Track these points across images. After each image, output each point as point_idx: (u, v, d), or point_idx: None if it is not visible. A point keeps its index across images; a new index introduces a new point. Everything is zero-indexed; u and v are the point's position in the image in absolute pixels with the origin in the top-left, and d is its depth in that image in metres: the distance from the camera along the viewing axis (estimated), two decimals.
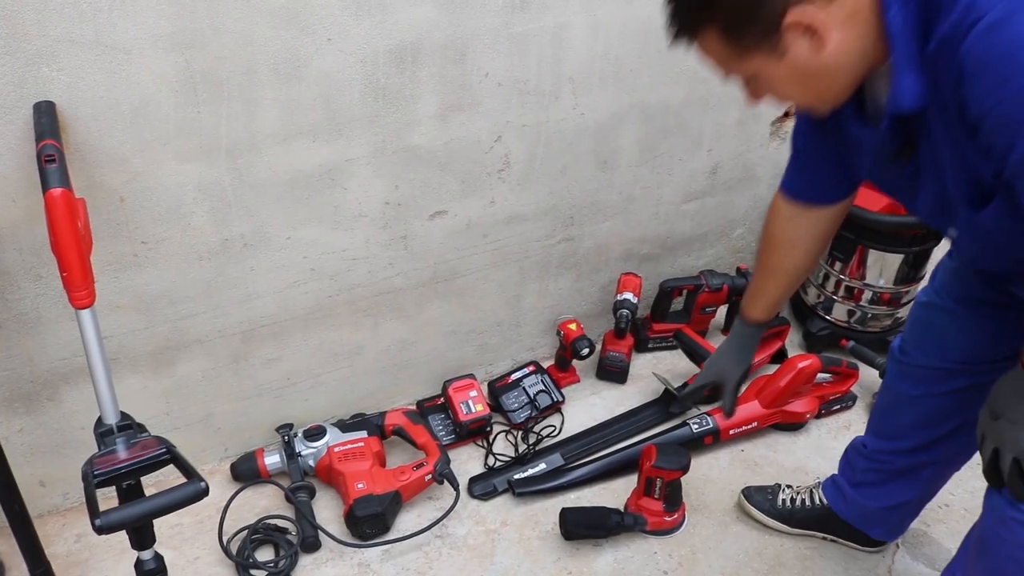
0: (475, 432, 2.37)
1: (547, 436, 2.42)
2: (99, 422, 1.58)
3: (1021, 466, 1.29)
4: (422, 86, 1.93)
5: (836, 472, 2.09)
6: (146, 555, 1.59)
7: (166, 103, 1.69)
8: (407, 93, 1.92)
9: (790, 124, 2.63)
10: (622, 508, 2.15)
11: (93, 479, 1.43)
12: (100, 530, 1.34)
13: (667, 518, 2.11)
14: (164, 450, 1.49)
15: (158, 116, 1.70)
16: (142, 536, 1.56)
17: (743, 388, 1.98)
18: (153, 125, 1.70)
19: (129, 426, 1.57)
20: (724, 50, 1.22)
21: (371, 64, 1.84)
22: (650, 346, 2.76)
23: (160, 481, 1.72)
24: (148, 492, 1.49)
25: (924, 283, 2.58)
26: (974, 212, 1.22)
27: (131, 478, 1.49)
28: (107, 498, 1.37)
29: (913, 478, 1.88)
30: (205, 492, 1.41)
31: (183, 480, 1.43)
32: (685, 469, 2.05)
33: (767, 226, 1.75)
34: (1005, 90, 1.01)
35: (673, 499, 2.10)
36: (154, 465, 1.49)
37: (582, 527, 2.11)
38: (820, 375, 2.47)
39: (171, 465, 1.49)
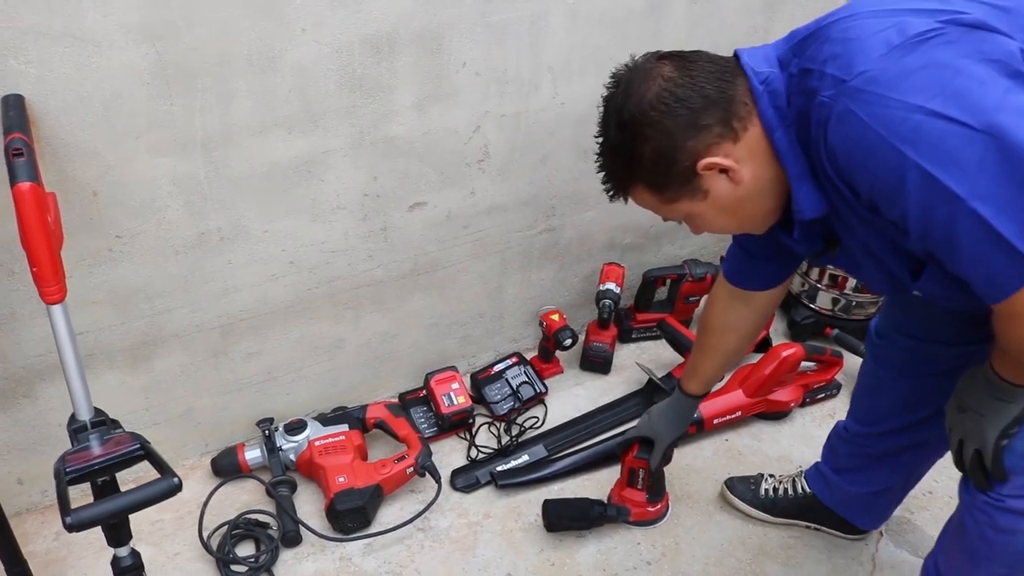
0: (457, 424, 2.35)
1: (530, 427, 2.41)
2: (72, 419, 1.56)
3: (982, 457, 1.38)
4: (399, 76, 1.91)
5: (820, 460, 2.09)
6: (122, 552, 1.58)
7: (138, 96, 1.66)
8: (384, 83, 1.90)
9: None
10: (605, 499, 2.14)
11: (65, 476, 1.41)
12: (71, 528, 1.33)
13: (650, 508, 2.10)
14: (138, 446, 1.47)
15: (130, 109, 1.67)
16: (118, 533, 1.55)
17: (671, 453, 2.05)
18: (125, 118, 1.68)
19: (103, 422, 1.55)
20: (655, 201, 1.36)
21: (347, 54, 1.82)
22: (634, 336, 2.75)
23: (140, 478, 1.70)
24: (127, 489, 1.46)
25: None
26: (913, 283, 1.32)
27: (105, 475, 1.48)
28: (86, 496, 1.36)
29: (894, 462, 1.88)
30: (178, 488, 1.39)
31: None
32: (667, 460, 2.04)
33: (705, 310, 1.87)
34: (872, 172, 1.15)
35: (656, 489, 2.09)
36: (128, 461, 1.47)
37: (564, 518, 2.10)
38: (804, 364, 2.46)
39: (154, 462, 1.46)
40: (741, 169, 1.27)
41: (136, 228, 1.83)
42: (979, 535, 1.47)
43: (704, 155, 1.25)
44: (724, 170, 1.27)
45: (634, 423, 2.36)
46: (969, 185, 1.06)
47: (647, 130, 1.26)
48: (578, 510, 2.11)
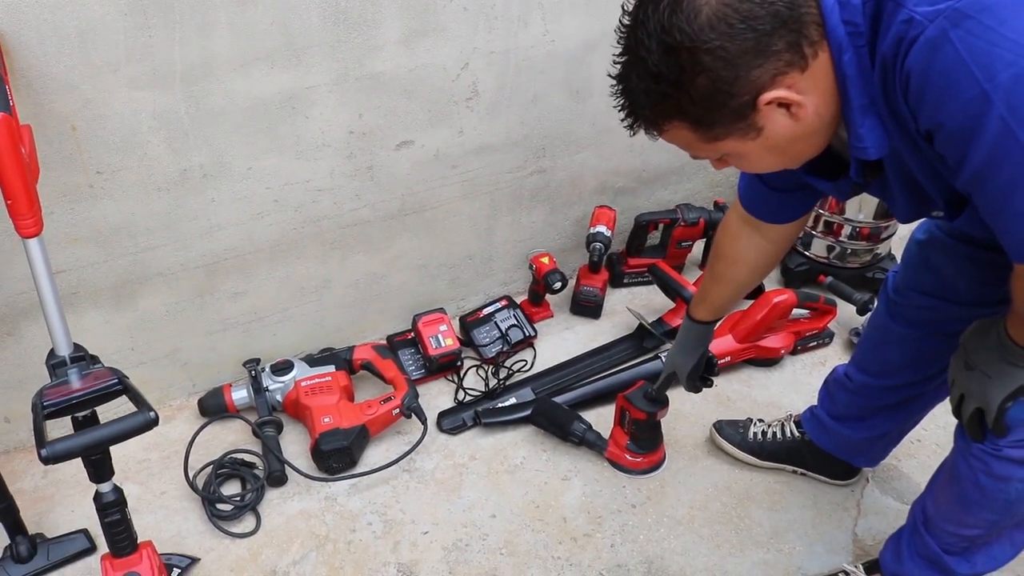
0: (445, 367, 2.35)
1: (519, 371, 2.41)
2: (51, 354, 1.55)
3: (983, 415, 1.36)
4: (384, 10, 1.87)
5: (815, 404, 2.08)
6: (104, 487, 1.57)
7: (115, 26, 1.63)
8: (368, 17, 1.86)
9: None
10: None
11: (43, 410, 1.41)
12: (46, 460, 1.33)
13: (629, 456, 2.10)
14: (116, 380, 1.47)
15: (107, 40, 1.64)
16: (99, 468, 1.54)
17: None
18: (102, 50, 1.65)
19: (82, 358, 1.55)
20: (694, 138, 1.17)
21: None
22: (625, 281, 2.73)
23: None
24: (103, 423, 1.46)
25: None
26: (951, 217, 1.25)
27: (83, 409, 1.48)
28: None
29: (899, 410, 1.87)
30: (155, 422, 1.39)
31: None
32: (650, 415, 2.03)
33: (717, 237, 1.76)
34: (946, 110, 1.02)
35: (640, 441, 2.08)
36: (106, 396, 1.47)
37: (545, 418, 2.14)
38: (797, 311, 2.45)
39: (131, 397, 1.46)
40: (806, 103, 1.10)
41: (117, 164, 1.81)
42: (973, 481, 1.46)
43: (769, 87, 1.07)
44: (785, 104, 1.09)
45: (624, 367, 2.38)
46: None
47: (704, 57, 1.04)
48: (562, 419, 2.14)
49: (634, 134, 1.21)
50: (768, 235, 1.65)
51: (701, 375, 1.95)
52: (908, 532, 1.71)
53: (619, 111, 1.19)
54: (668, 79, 1.08)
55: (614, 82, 1.17)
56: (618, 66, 1.15)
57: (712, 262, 1.78)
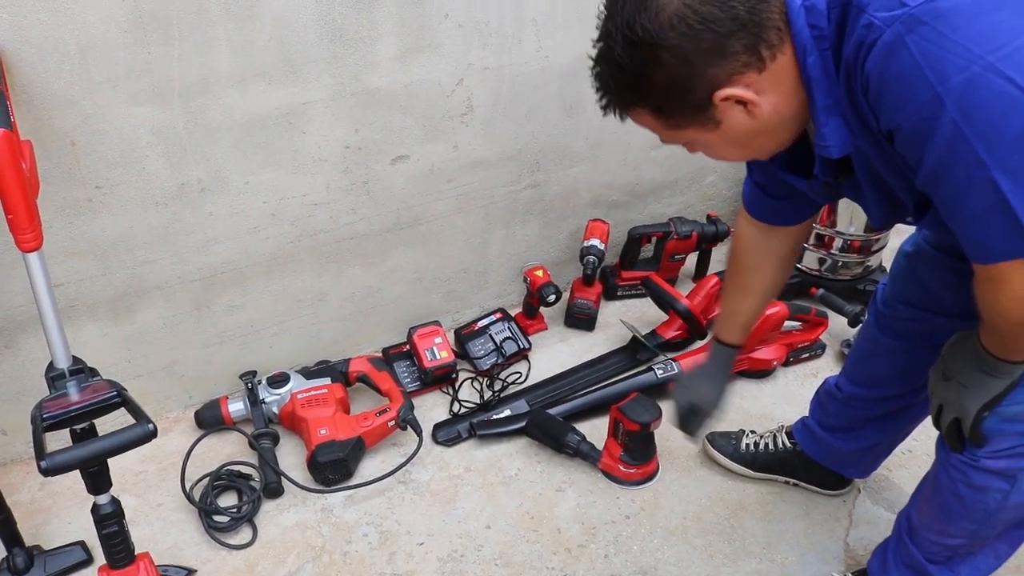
0: (440, 379, 2.36)
1: (513, 383, 2.42)
2: (50, 366, 1.56)
3: (960, 425, 1.38)
4: (380, 27, 1.90)
5: (807, 415, 2.09)
6: (102, 499, 1.58)
7: (114, 43, 1.65)
8: (364, 34, 1.89)
9: None
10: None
11: (42, 422, 1.42)
12: (46, 472, 1.34)
13: (622, 467, 2.11)
14: (115, 393, 1.48)
15: (107, 57, 1.66)
16: (97, 480, 1.54)
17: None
18: (102, 66, 1.67)
19: (81, 370, 1.56)
20: (657, 125, 1.24)
21: (326, 3, 1.81)
22: (619, 294, 2.75)
23: None
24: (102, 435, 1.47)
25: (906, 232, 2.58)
26: (917, 219, 1.29)
27: (82, 421, 1.49)
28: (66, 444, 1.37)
29: (887, 422, 1.88)
30: (153, 434, 1.39)
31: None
32: (643, 426, 2.04)
33: (733, 249, 1.73)
34: (903, 112, 1.07)
35: (633, 452, 2.10)
36: (105, 408, 1.48)
37: (539, 430, 2.16)
38: (789, 323, 2.46)
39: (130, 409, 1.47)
40: (762, 102, 1.15)
41: (116, 178, 1.82)
42: (952, 491, 1.48)
43: (724, 85, 1.13)
44: (742, 101, 1.15)
45: (617, 379, 2.40)
46: (1000, 155, 1.02)
47: (663, 54, 1.10)
48: (557, 431, 2.15)
49: (605, 115, 1.26)
50: (780, 237, 1.66)
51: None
52: (894, 542, 1.73)
53: (595, 91, 1.24)
54: (631, 70, 1.14)
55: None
56: (595, 50, 1.20)
57: (734, 277, 1.76)
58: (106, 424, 1.51)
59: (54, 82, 1.64)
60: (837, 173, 1.30)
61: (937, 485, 1.53)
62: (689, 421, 1.82)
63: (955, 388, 1.37)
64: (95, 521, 1.59)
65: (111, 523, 1.59)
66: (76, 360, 1.57)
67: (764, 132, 1.21)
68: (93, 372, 1.58)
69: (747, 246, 1.70)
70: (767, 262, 1.70)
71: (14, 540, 1.83)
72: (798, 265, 2.74)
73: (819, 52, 1.13)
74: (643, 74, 1.14)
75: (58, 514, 2.02)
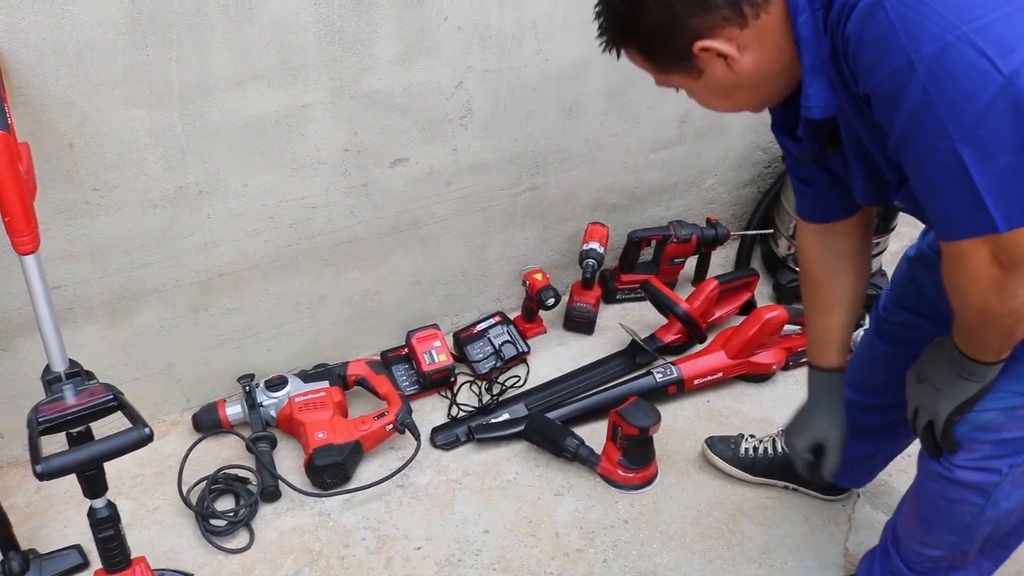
0: (439, 382, 2.36)
1: (512, 386, 2.41)
2: (47, 370, 1.56)
3: (933, 428, 1.39)
4: (379, 29, 1.89)
5: None
6: (98, 503, 1.57)
7: (113, 45, 1.64)
8: (363, 36, 1.88)
9: None
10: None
11: (38, 426, 1.42)
12: (41, 476, 1.33)
13: (621, 471, 2.11)
14: (111, 396, 1.47)
15: (105, 59, 1.65)
16: (93, 484, 1.54)
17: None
18: (100, 68, 1.66)
19: (77, 373, 1.55)
20: (648, 66, 1.28)
21: (325, 6, 1.80)
22: (618, 297, 2.75)
23: None
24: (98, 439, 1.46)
25: (897, 233, 2.57)
26: (897, 191, 1.27)
27: (78, 425, 1.48)
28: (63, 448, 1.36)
29: (884, 433, 1.87)
30: (149, 438, 1.39)
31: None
32: (642, 430, 2.03)
33: (802, 266, 1.66)
34: (877, 75, 1.08)
35: (632, 456, 2.09)
36: (101, 412, 1.47)
37: (538, 434, 2.16)
38: (789, 327, 2.46)
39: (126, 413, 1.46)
40: (742, 58, 1.18)
41: (113, 181, 1.82)
42: (931, 503, 1.51)
43: (704, 37, 1.16)
44: (722, 55, 1.18)
45: (616, 383, 2.39)
46: (965, 127, 1.02)
47: (649, 1, 1.16)
48: (555, 434, 2.15)
49: (604, 52, 1.29)
50: (841, 236, 1.58)
51: None
52: (880, 550, 1.73)
53: (596, 31, 1.28)
54: (621, 12, 1.21)
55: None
56: None
57: (812, 297, 1.66)
58: (104, 427, 1.51)
59: (52, 84, 1.63)
60: (825, 142, 1.31)
61: (918, 495, 1.55)
62: (816, 466, 1.70)
63: (928, 391, 1.38)
64: (91, 525, 1.59)
65: (107, 527, 1.59)
66: (73, 363, 1.56)
67: (745, 86, 1.24)
68: (89, 375, 1.57)
69: (813, 256, 1.61)
70: (839, 268, 1.60)
71: (10, 544, 1.83)
72: (797, 268, 2.70)
73: (811, 11, 1.14)
74: (632, 17, 1.20)
75: (54, 517, 2.01)
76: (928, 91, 1.02)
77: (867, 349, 1.82)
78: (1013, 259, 1.09)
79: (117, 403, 1.47)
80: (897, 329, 1.72)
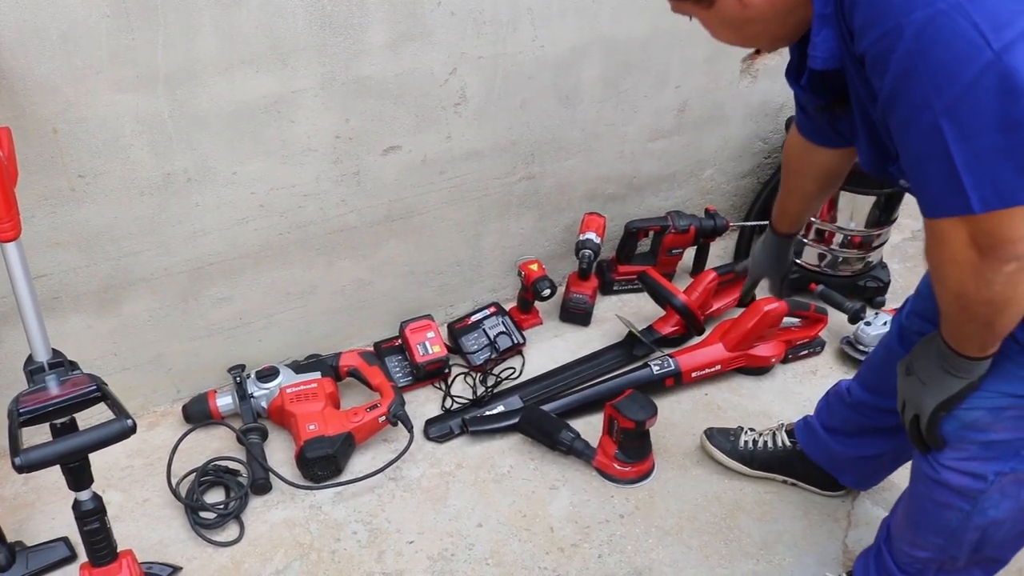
0: (432, 374, 2.33)
1: (507, 378, 2.38)
2: (29, 360, 1.54)
3: (919, 422, 1.37)
4: (370, 14, 1.85)
5: (811, 414, 2.05)
6: (83, 495, 1.54)
7: (97, 28, 1.61)
8: (355, 21, 1.85)
9: (762, 61, 2.57)
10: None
11: (18, 417, 1.39)
12: (20, 469, 1.31)
13: (617, 465, 2.08)
14: (94, 387, 1.45)
15: (89, 43, 1.62)
16: (78, 476, 1.51)
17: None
18: (84, 52, 1.63)
19: (60, 364, 1.53)
20: None
21: None
22: (615, 288, 2.72)
23: None
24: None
25: (898, 225, 2.53)
26: (893, 164, 1.25)
27: (61, 416, 1.46)
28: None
29: (891, 436, 1.83)
30: (132, 430, 1.36)
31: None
32: (638, 424, 2.00)
33: (784, 153, 1.76)
34: (869, 36, 1.06)
35: (628, 450, 2.06)
36: (84, 403, 1.45)
37: (533, 427, 2.13)
38: (788, 319, 2.43)
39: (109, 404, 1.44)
40: None
41: (99, 167, 1.78)
42: (919, 505, 1.51)
43: None
44: None
45: (613, 375, 2.37)
46: (948, 100, 1.00)
47: None
48: (550, 427, 2.12)
49: None
50: (822, 155, 1.64)
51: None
52: (875, 548, 1.71)
53: None
54: None
55: None
56: None
57: (784, 177, 1.78)
58: (95, 418, 1.47)
59: (35, 68, 1.60)
60: (833, 100, 1.30)
61: (910, 496, 1.55)
62: (751, 288, 2.05)
63: (915, 384, 1.36)
64: (76, 518, 1.55)
65: (93, 520, 1.56)
66: (56, 353, 1.54)
67: (756, 20, 1.20)
68: (73, 365, 1.55)
69: (794, 152, 1.70)
70: (810, 172, 1.69)
71: None
72: (797, 260, 2.70)
73: None
74: None
75: (42, 509, 1.98)
76: (914, 57, 1.00)
77: (885, 352, 1.78)
78: (990, 243, 1.06)
79: (100, 393, 1.45)
80: (917, 338, 1.67)
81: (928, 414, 1.34)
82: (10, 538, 1.84)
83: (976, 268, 1.09)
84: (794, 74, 1.35)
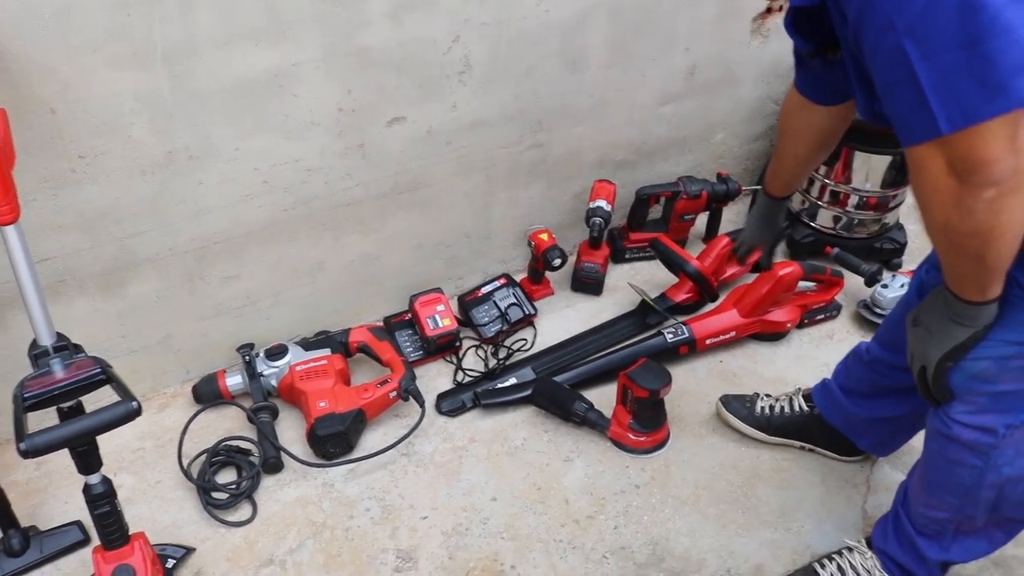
0: (443, 347, 2.31)
1: (519, 350, 2.36)
2: (33, 344, 1.52)
3: (926, 374, 1.37)
4: None
5: (826, 377, 2.03)
6: (93, 479, 1.54)
7: (91, 5, 1.58)
8: None
9: (773, 20, 2.52)
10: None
11: (23, 401, 1.37)
12: (25, 454, 1.29)
13: (631, 435, 2.06)
14: (99, 370, 1.44)
15: (84, 20, 1.59)
16: (87, 460, 1.50)
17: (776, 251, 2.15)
18: (79, 30, 1.60)
19: (65, 347, 1.51)
20: None
21: None
22: (627, 256, 2.69)
23: None
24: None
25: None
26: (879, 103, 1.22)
27: (67, 399, 1.45)
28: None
29: (906, 397, 1.79)
30: (137, 412, 1.35)
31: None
32: (652, 393, 1.98)
33: (781, 111, 1.76)
34: None
35: (643, 420, 2.04)
36: (89, 386, 1.43)
37: (546, 398, 2.12)
38: (803, 284, 2.40)
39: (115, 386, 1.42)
40: None
41: (100, 147, 1.76)
42: (933, 464, 1.51)
43: None
44: None
45: (626, 344, 2.34)
46: (908, 19, 0.99)
47: None
48: (564, 398, 2.11)
49: None
50: (817, 114, 1.63)
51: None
52: (893, 512, 1.70)
53: None
54: None
55: None
56: None
57: (778, 140, 1.79)
58: (103, 401, 1.45)
59: (29, 47, 1.57)
60: (822, 46, 1.31)
61: (924, 457, 1.54)
62: (745, 254, 2.10)
63: (922, 334, 1.36)
64: (87, 501, 1.55)
65: (103, 503, 1.55)
66: (60, 337, 1.52)
67: None
68: (78, 348, 1.53)
69: (788, 112, 1.71)
70: (804, 133, 1.69)
71: (9, 521, 1.80)
72: (812, 224, 2.66)
73: None
74: None
75: (54, 494, 1.97)
76: None
77: (903, 307, 1.77)
78: (966, 167, 1.05)
79: (106, 376, 1.44)
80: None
81: (934, 364, 1.33)
82: (24, 523, 1.83)
83: (957, 196, 1.08)
84: (791, 20, 1.34)
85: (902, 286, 2.39)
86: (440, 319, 2.28)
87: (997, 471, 1.41)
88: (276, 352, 2.16)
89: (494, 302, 2.42)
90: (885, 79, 1.08)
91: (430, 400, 2.19)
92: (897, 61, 1.03)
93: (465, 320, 2.42)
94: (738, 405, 2.13)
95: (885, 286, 2.42)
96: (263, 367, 2.15)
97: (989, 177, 1.03)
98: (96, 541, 1.74)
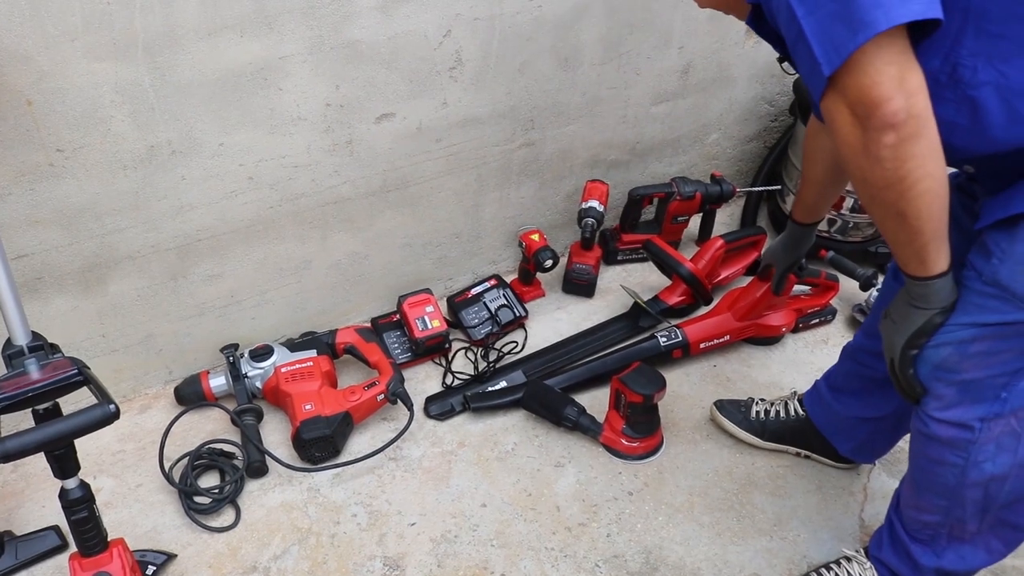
0: (432, 349, 2.27)
1: (509, 353, 2.32)
2: (7, 343, 1.47)
3: (894, 366, 1.39)
4: None
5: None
6: (70, 484, 1.49)
7: None
8: None
9: None
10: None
11: None
12: None
13: (624, 440, 2.02)
14: (76, 371, 1.39)
15: (61, 8, 1.54)
16: (64, 464, 1.45)
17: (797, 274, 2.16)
18: (57, 18, 1.54)
19: (40, 347, 1.46)
20: None
21: None
22: (619, 258, 2.65)
23: None
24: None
25: None
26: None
27: (42, 401, 1.40)
28: None
29: (888, 392, 1.75)
30: (115, 415, 1.31)
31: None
32: (646, 398, 1.95)
33: (805, 135, 1.80)
34: None
35: (636, 425, 2.01)
36: (65, 388, 1.39)
37: (537, 402, 2.09)
38: (798, 287, 2.37)
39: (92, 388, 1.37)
40: None
41: (79, 140, 1.70)
42: (917, 465, 1.51)
43: None
44: None
45: (619, 347, 2.30)
46: None
47: None
48: (554, 402, 2.08)
49: None
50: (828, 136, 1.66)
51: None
52: (887, 519, 1.69)
53: None
54: None
55: None
56: None
57: (803, 163, 1.83)
58: (82, 402, 1.41)
59: (3, 35, 1.52)
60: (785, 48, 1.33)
61: (910, 457, 1.54)
62: (765, 273, 2.15)
63: (889, 326, 1.38)
64: (63, 507, 1.50)
65: (80, 508, 1.51)
66: (36, 336, 1.47)
67: None
68: (54, 348, 1.48)
69: (808, 135, 1.76)
70: (819, 155, 1.74)
71: None
72: None
73: None
74: None
75: (31, 497, 1.92)
76: None
77: (885, 290, 1.77)
78: (863, 112, 1.08)
79: (83, 377, 1.39)
80: None
81: (899, 352, 1.34)
82: None
83: (864, 146, 1.10)
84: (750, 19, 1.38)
85: None
86: (429, 320, 2.24)
87: (979, 468, 1.40)
88: (261, 353, 2.12)
89: (484, 303, 2.38)
90: (789, 43, 1.13)
91: (419, 403, 2.15)
92: (791, 21, 1.09)
93: (454, 322, 2.38)
94: (733, 410, 2.10)
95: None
96: (247, 368, 2.10)
97: (884, 119, 1.06)
98: (74, 547, 1.69)
